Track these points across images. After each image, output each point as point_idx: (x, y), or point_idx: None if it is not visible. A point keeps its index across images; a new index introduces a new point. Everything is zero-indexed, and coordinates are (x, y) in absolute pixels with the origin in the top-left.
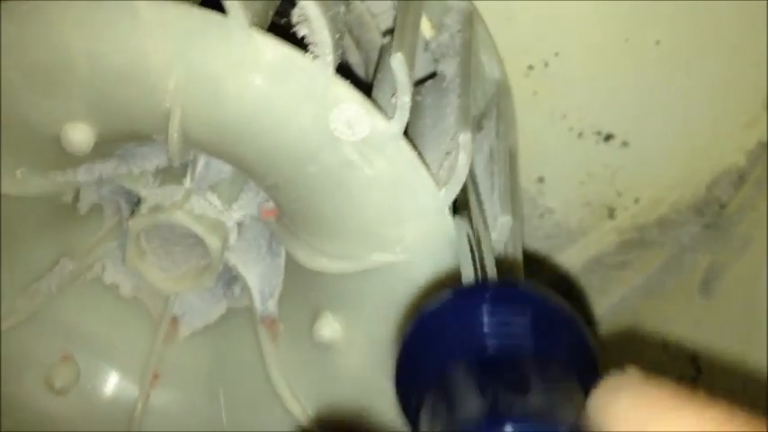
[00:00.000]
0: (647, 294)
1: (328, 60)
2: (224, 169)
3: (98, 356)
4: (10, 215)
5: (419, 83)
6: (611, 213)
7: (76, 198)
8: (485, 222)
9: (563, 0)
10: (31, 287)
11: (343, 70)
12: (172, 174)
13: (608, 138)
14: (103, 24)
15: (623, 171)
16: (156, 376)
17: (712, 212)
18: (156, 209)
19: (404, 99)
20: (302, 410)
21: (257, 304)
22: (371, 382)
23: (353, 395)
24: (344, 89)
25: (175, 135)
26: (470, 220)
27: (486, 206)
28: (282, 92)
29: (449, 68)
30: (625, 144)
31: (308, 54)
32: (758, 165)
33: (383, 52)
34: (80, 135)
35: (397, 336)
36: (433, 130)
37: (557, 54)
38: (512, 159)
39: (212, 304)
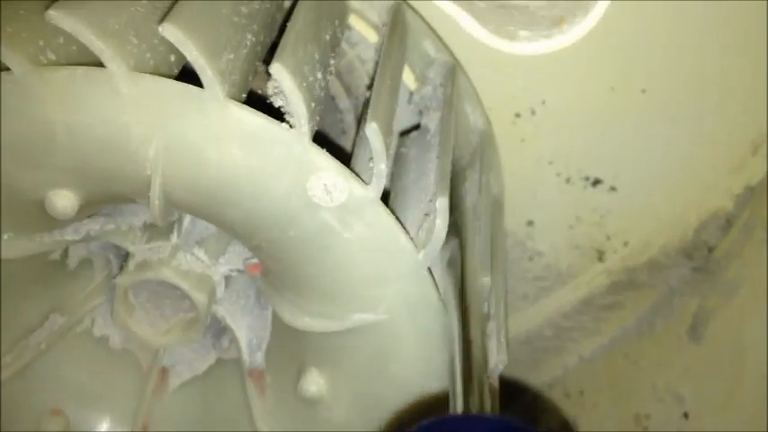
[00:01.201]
0: (637, 336)
1: (304, 130)
2: (210, 225)
3: (88, 408)
4: None
5: (405, 133)
6: (601, 256)
7: (65, 254)
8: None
9: (549, 49)
10: (21, 343)
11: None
12: (159, 230)
13: (596, 183)
14: (82, 98)
15: (612, 215)
16: (145, 428)
17: (701, 256)
18: (144, 265)
19: (380, 167)
20: None
21: (245, 356)
22: None
23: None
24: (321, 157)
25: (157, 201)
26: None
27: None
28: (260, 160)
29: (432, 122)
30: (613, 189)
31: (284, 124)
32: (746, 209)
33: (364, 110)
34: (64, 201)
35: None
36: (415, 185)
37: (543, 102)
38: (497, 208)
39: (201, 355)
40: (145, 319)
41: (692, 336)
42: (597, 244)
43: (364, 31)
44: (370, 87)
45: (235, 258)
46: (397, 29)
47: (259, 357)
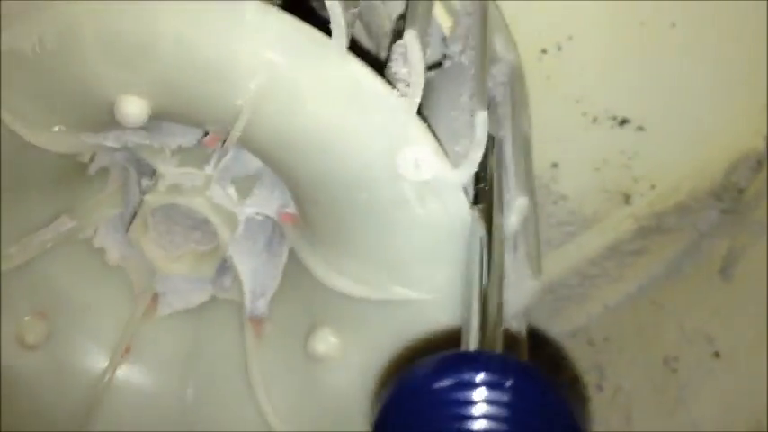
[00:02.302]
0: (665, 280)
1: (416, 101)
2: (250, 166)
3: (73, 319)
4: (26, 163)
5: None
6: (628, 200)
7: (92, 159)
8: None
9: None
10: (26, 237)
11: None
12: (192, 156)
13: (623, 122)
14: (203, 14)
15: (639, 157)
16: (128, 349)
17: (730, 198)
18: (176, 189)
19: (475, 157)
20: (276, 416)
21: (247, 301)
22: (354, 404)
23: (332, 412)
24: (421, 131)
25: (237, 134)
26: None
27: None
28: (360, 121)
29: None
30: (641, 129)
31: (395, 91)
32: None
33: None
34: (134, 108)
35: (377, 393)
36: (448, 113)
37: (570, 38)
38: (525, 144)
39: (196, 289)
40: (156, 240)
41: (721, 277)
42: (624, 187)
43: None
44: (401, 17)
45: (261, 202)
46: None
47: (261, 304)
